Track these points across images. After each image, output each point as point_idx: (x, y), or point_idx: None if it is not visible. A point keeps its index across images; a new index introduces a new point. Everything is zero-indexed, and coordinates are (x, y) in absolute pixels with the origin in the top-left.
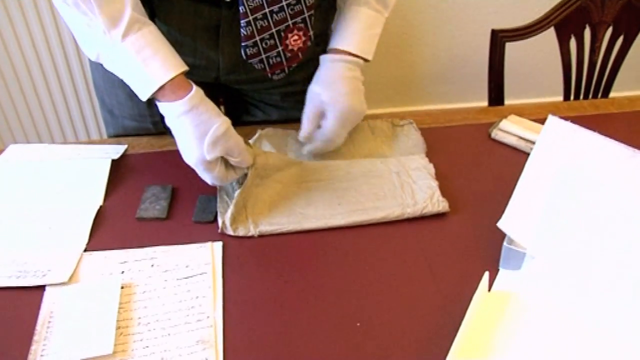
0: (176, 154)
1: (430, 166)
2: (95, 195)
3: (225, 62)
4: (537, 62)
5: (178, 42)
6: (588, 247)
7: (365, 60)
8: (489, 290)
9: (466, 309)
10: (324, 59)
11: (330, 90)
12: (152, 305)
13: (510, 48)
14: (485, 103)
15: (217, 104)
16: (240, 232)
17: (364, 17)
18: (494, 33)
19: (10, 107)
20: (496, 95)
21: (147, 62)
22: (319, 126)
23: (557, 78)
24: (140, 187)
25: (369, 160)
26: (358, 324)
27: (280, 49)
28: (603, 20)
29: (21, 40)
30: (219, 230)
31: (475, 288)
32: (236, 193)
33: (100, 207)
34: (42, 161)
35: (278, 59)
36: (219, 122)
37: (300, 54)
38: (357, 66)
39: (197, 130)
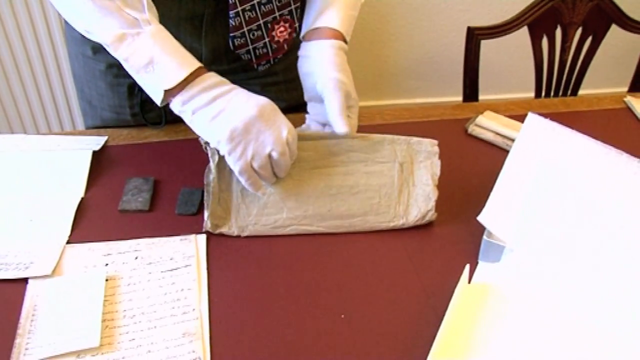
0: (157, 145)
1: (437, 163)
2: (76, 187)
3: (208, 52)
4: (510, 60)
5: None
6: (566, 240)
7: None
8: (469, 282)
9: (448, 300)
10: (308, 46)
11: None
12: (137, 298)
13: (485, 45)
14: (458, 98)
15: None
16: (225, 232)
17: None
18: (470, 30)
19: None
20: (471, 91)
21: (181, 48)
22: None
23: (528, 75)
24: (122, 179)
25: (377, 139)
26: (342, 316)
27: (266, 40)
28: (573, 21)
29: None
30: (203, 229)
31: (457, 280)
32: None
33: (82, 199)
34: (21, 152)
35: (264, 50)
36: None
37: (285, 45)
38: (343, 49)
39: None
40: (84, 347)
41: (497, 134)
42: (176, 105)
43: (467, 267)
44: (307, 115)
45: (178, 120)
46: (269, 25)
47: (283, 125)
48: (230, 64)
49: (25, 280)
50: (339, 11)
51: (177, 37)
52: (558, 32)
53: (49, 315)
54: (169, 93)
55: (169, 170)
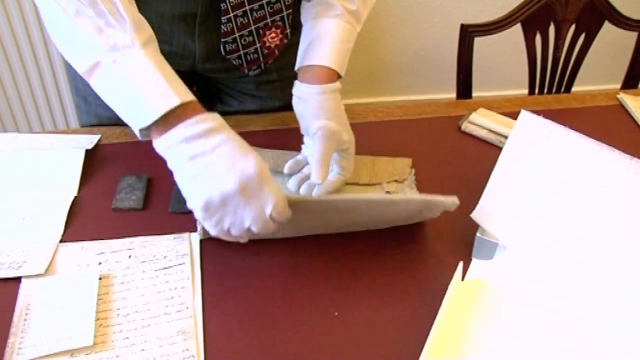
0: (151, 144)
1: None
2: (69, 186)
3: (201, 50)
4: (504, 57)
5: (154, 29)
6: (558, 237)
7: (339, 76)
8: (463, 279)
9: (441, 297)
10: (301, 89)
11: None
12: (131, 297)
13: (478, 42)
14: (451, 95)
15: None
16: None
17: (338, 29)
18: (463, 28)
19: None
20: (464, 88)
21: (168, 76)
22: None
23: (522, 72)
24: (115, 177)
25: (386, 201)
26: (336, 314)
27: (258, 45)
28: (566, 18)
29: None
30: (199, 236)
31: (450, 277)
32: None
33: (75, 197)
34: (13, 151)
35: (255, 56)
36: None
37: (276, 51)
38: (336, 91)
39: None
40: (77, 346)
41: (491, 131)
42: (158, 148)
43: (461, 264)
44: (303, 146)
45: None
46: (261, 31)
47: (268, 200)
48: (224, 62)
49: (18, 280)
50: (332, 45)
51: (170, 34)
52: (551, 29)
53: (42, 315)
54: (149, 131)
55: (163, 168)
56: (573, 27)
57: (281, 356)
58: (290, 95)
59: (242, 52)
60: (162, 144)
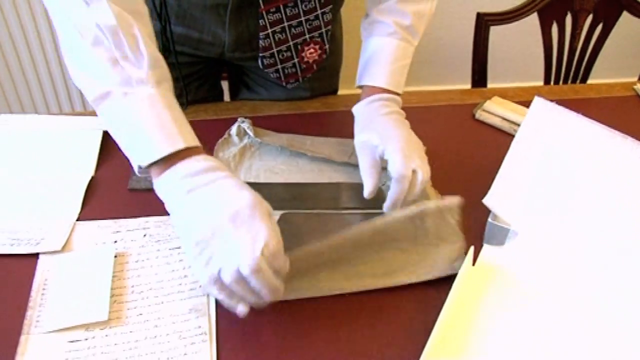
0: None
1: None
2: (86, 166)
3: (231, 39)
4: (520, 47)
5: (187, 17)
6: (570, 223)
7: (397, 94)
8: (474, 264)
9: (451, 281)
10: (358, 107)
11: (377, 130)
12: (145, 274)
13: (494, 32)
14: (467, 85)
15: (221, 78)
16: None
17: (392, 48)
18: (479, 16)
19: None
20: (479, 77)
21: (178, 119)
22: (384, 168)
23: (538, 63)
24: None
25: (395, 222)
26: (346, 295)
27: (296, 60)
28: (584, 8)
29: (5, 10)
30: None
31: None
32: None
33: (92, 177)
34: (33, 132)
35: (293, 70)
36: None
37: (315, 66)
38: (393, 102)
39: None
40: (92, 321)
41: (504, 119)
42: (159, 185)
43: (472, 249)
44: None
45: (199, 101)
46: (299, 47)
47: (260, 234)
48: (253, 51)
49: (36, 256)
50: (385, 65)
51: (202, 23)
52: (568, 19)
53: (59, 290)
54: (148, 169)
55: None
56: (590, 17)
57: (293, 333)
58: (319, 87)
59: (279, 66)
60: (164, 181)
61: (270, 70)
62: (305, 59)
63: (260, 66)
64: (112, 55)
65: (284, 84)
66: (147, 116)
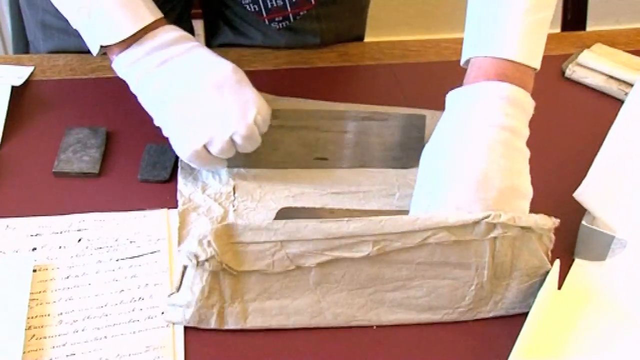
0: (112, 82)
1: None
2: None
3: None
4: None
5: None
6: None
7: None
8: (559, 287)
9: (526, 312)
10: (455, 95)
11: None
12: (79, 297)
13: None
14: (555, 29)
15: (191, 14)
16: (214, 325)
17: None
18: None
19: None
20: (574, 15)
21: None
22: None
23: None
24: (58, 128)
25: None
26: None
27: None
28: None
29: None
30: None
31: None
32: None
33: None
34: None
35: (280, 2)
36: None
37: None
38: (518, 105)
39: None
40: None
41: (610, 77)
42: (121, 64)
43: (557, 263)
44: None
45: None
46: None
47: (250, 102)
48: None
49: None
50: (512, 20)
51: None
52: None
53: None
54: (109, 49)
55: (128, 118)
56: None
57: None
58: (333, 28)
59: None
60: (128, 59)
61: (246, 0)
62: None
63: None
64: None
65: (265, 21)
66: None
